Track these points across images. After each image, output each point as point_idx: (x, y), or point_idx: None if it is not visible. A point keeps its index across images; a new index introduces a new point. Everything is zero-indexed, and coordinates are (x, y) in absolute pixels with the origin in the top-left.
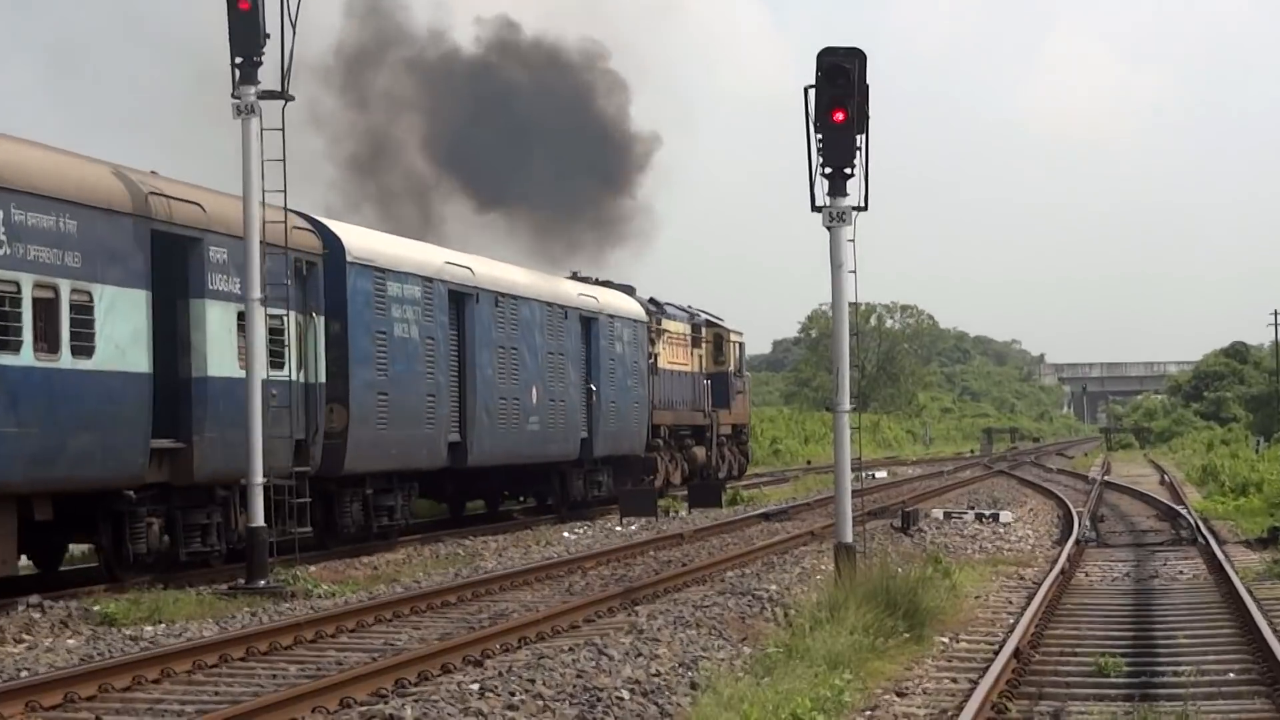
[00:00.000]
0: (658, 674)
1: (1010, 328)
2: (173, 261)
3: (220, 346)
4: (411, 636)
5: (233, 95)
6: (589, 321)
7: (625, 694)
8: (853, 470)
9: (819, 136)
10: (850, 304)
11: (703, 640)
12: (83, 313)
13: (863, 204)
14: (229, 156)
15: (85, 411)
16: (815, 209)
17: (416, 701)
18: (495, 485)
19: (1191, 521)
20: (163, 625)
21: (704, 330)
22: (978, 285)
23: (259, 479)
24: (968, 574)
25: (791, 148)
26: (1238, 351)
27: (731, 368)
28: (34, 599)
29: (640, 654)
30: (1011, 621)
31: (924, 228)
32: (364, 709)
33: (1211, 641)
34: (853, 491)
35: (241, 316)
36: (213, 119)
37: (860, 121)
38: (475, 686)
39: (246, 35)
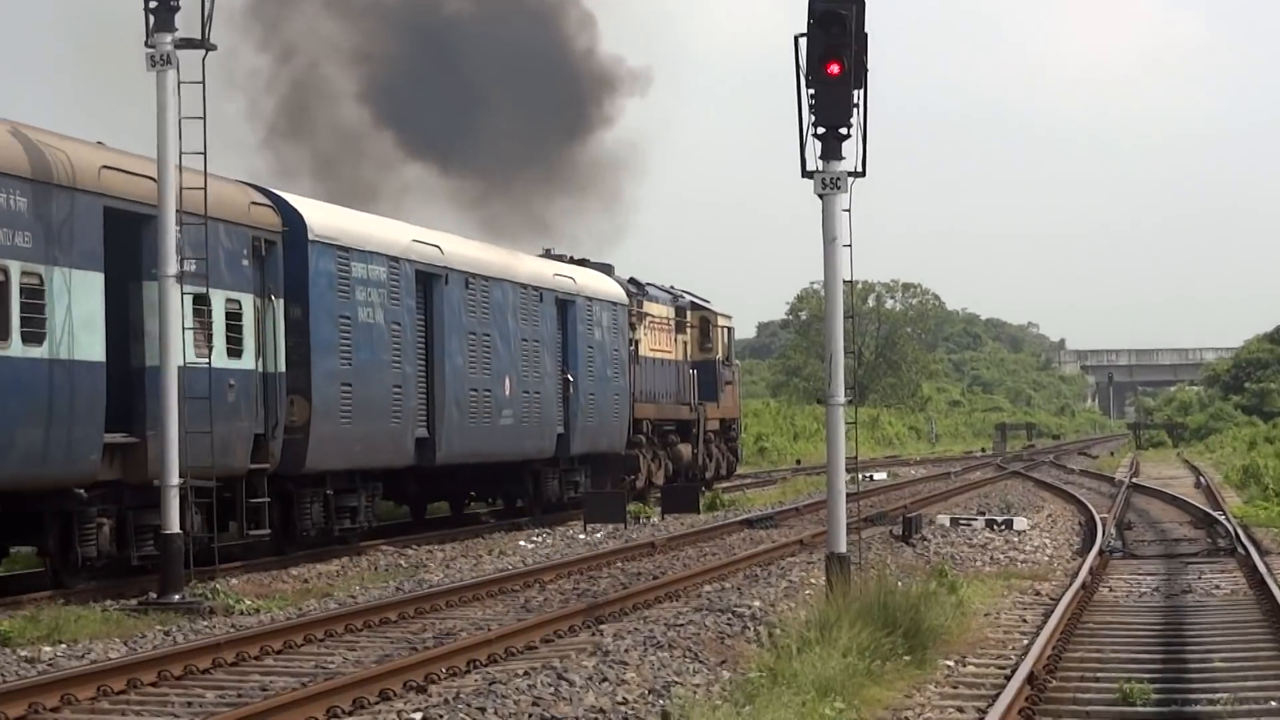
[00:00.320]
0: (624, 701)
1: (1027, 310)
2: (125, 241)
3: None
4: (346, 659)
5: (146, 44)
6: (565, 304)
7: None
8: (848, 471)
9: (810, 92)
10: (845, 282)
11: (676, 663)
12: (34, 297)
13: (860, 169)
14: (135, 120)
15: (36, 403)
16: (806, 175)
17: None
18: (462, 485)
19: (1230, 529)
20: (63, 645)
21: (689, 313)
22: (989, 261)
23: (174, 480)
24: (977, 589)
25: (779, 105)
26: None
27: (719, 355)
28: None
29: (605, 679)
30: (1025, 642)
31: (929, 197)
32: None
33: (1251, 665)
34: (848, 495)
35: (199, 300)
36: (118, 75)
37: (857, 75)
38: (418, 716)
39: None
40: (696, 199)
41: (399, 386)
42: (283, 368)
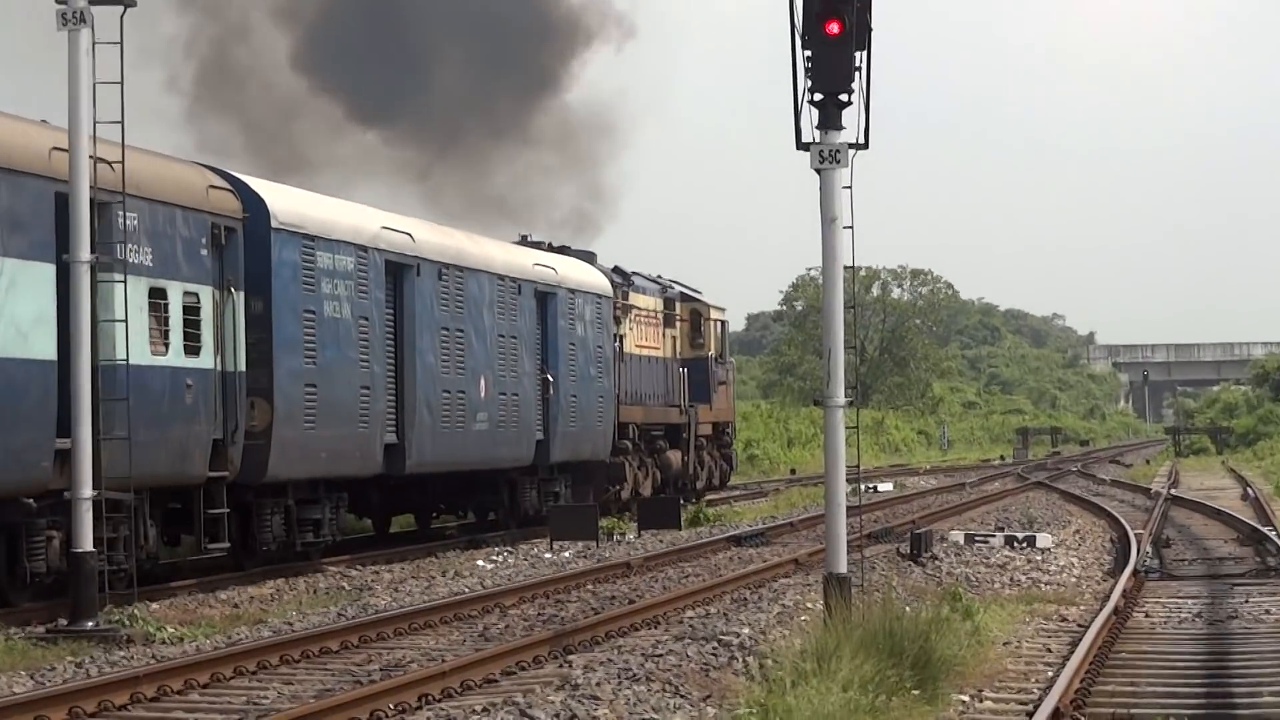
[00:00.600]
0: None
1: (1051, 299)
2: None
3: (132, 328)
4: (281, 693)
5: (58, 0)
6: (545, 297)
7: None
8: (849, 482)
9: (807, 54)
10: (846, 268)
11: (654, 698)
12: None
13: (862, 140)
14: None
15: None
16: (801, 147)
17: None
18: (432, 497)
19: None
20: None
21: (678, 305)
22: (1009, 245)
23: (87, 492)
24: (995, 614)
25: (773, 68)
26: None
27: (712, 352)
28: None
29: (574, 716)
30: (1050, 675)
31: (941, 173)
32: None
33: None
34: (849, 509)
35: (155, 293)
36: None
37: (860, 35)
38: None
39: None
40: (677, 175)
41: (367, 388)
42: (243, 367)
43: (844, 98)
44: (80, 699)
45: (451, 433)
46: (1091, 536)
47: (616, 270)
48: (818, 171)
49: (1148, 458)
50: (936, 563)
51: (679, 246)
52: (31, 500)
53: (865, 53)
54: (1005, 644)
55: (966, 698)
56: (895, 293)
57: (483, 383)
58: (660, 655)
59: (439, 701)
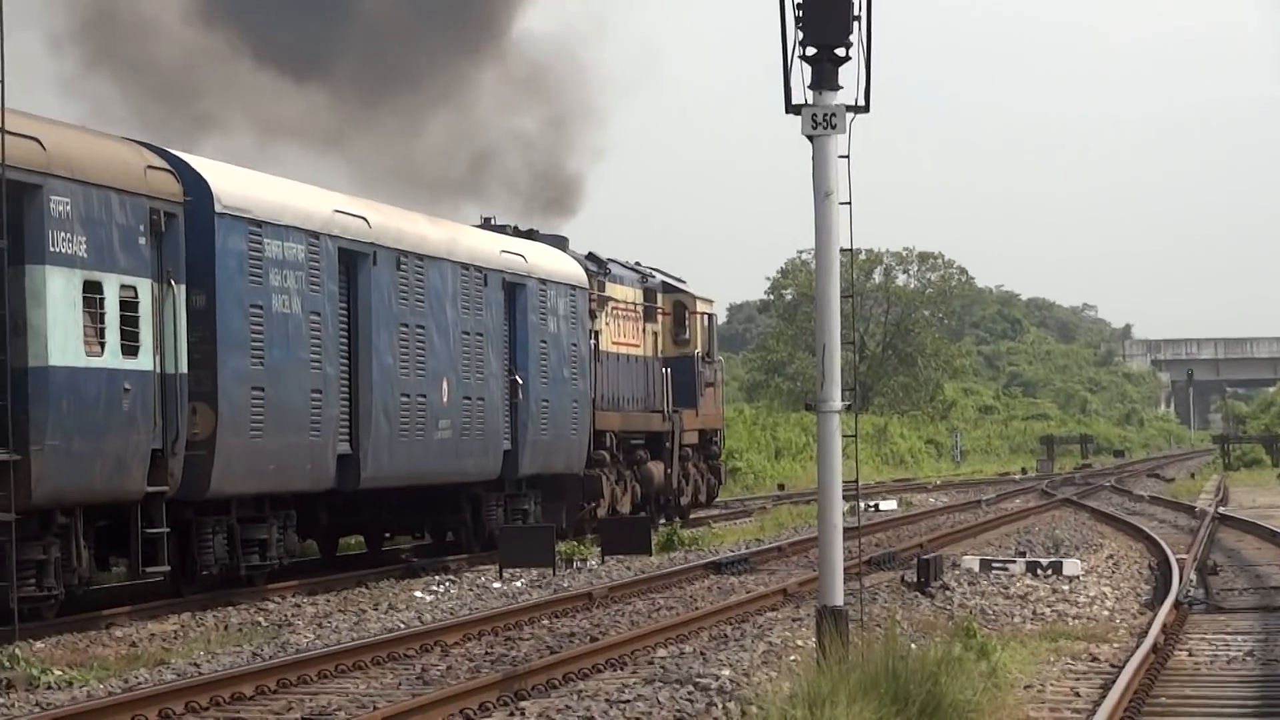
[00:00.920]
0: None
1: (1081, 287)
2: (5, 216)
3: (64, 327)
4: None
5: None
6: (514, 289)
7: None
8: (846, 499)
9: (798, 0)
10: (843, 250)
11: None
12: None
13: (862, 101)
14: None
15: None
16: (791, 109)
17: None
18: (385, 514)
19: None
20: None
21: (660, 297)
22: (1031, 225)
23: None
24: (1014, 653)
25: (758, 11)
26: None
27: (698, 349)
28: None
29: None
30: None
31: (953, 141)
32: None
33: None
34: (846, 530)
35: (90, 287)
36: None
37: None
38: None
39: None
40: (645, 143)
41: (319, 391)
42: (184, 368)
43: (841, 52)
44: None
45: (410, 442)
46: (1127, 562)
47: (591, 257)
48: (810, 138)
49: (1192, 470)
50: (947, 593)
51: (647, 226)
52: None
53: (866, 0)
54: (1026, 687)
55: None
56: (900, 279)
57: (445, 386)
58: (627, 701)
59: None
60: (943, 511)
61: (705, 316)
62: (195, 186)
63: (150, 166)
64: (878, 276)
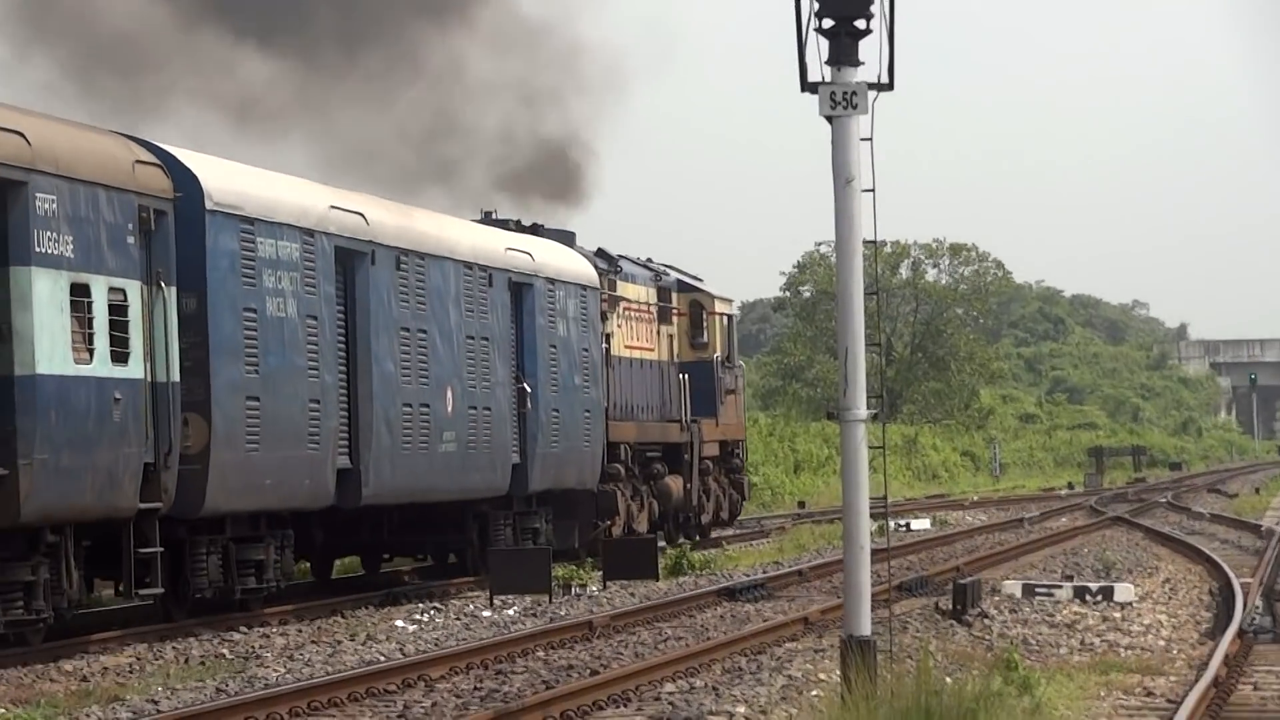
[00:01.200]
0: None
1: (1131, 283)
2: None
3: (51, 333)
4: None
5: None
6: (521, 289)
7: None
8: (873, 518)
9: None
10: (866, 242)
11: None
12: None
13: (885, 78)
14: None
15: None
16: (807, 88)
17: None
18: (385, 534)
19: None
20: None
21: (675, 296)
22: (1075, 214)
23: None
24: (1061, 687)
25: None
26: None
27: (718, 353)
28: None
29: None
30: None
31: (986, 122)
32: None
33: None
34: (873, 552)
35: (78, 290)
36: None
37: None
38: None
39: None
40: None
41: (316, 401)
42: (176, 377)
43: (861, 24)
44: None
45: (414, 455)
46: (1185, 587)
47: (600, 254)
48: (828, 119)
49: (1257, 485)
50: (986, 622)
51: (649, 217)
52: None
53: None
54: None
55: None
56: (930, 274)
57: (449, 395)
58: None
59: None
60: (981, 531)
61: (724, 317)
62: (185, 182)
63: (139, 161)
64: (905, 271)
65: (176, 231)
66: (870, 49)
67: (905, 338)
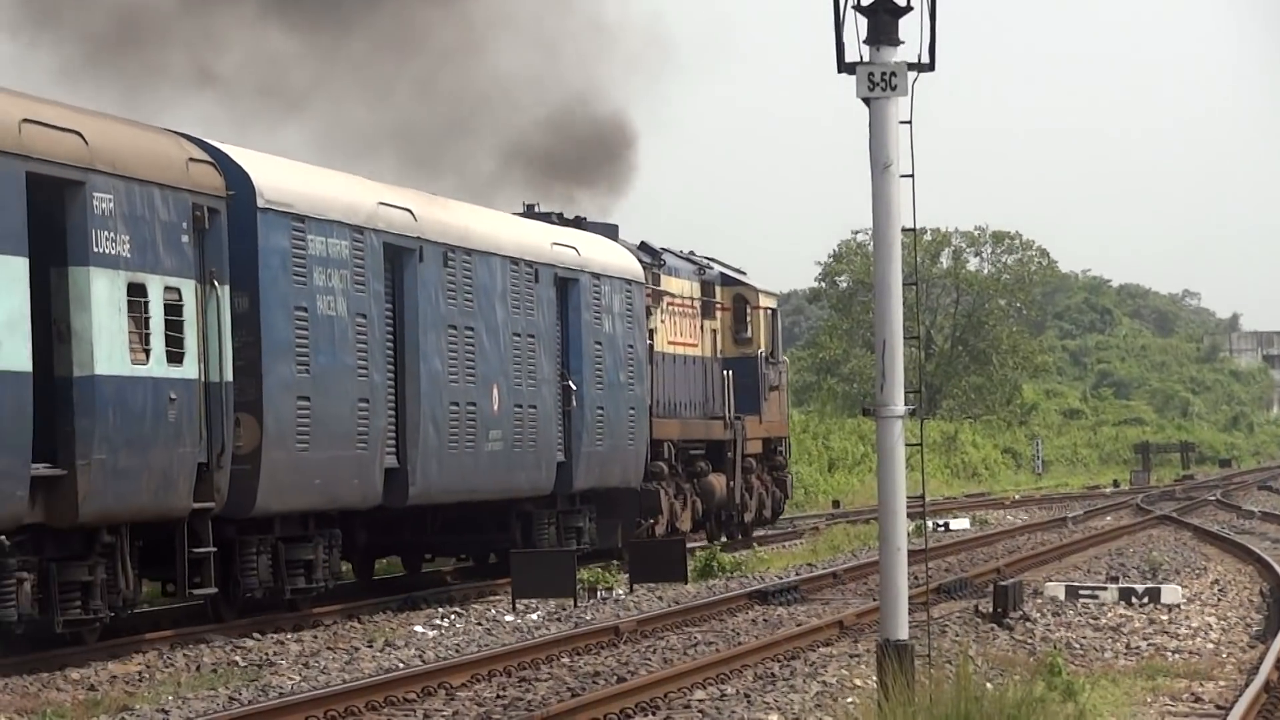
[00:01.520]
0: None
1: (1181, 273)
2: (45, 215)
3: (110, 333)
4: None
5: None
6: (566, 284)
7: None
8: (911, 518)
9: None
10: (905, 230)
11: None
12: None
13: (925, 59)
14: None
15: None
16: (845, 68)
17: None
18: (429, 533)
19: None
20: None
21: (719, 291)
22: (1122, 201)
23: None
24: (1106, 693)
25: None
26: None
27: (761, 349)
28: None
29: None
30: None
31: (1030, 104)
32: None
33: None
34: (911, 553)
35: (134, 290)
36: None
37: None
38: None
39: None
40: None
41: (365, 401)
42: (229, 377)
43: (901, 1)
44: None
45: (460, 454)
46: (1235, 588)
47: (644, 247)
48: (866, 102)
49: None
50: (1028, 625)
51: (675, 204)
52: (3, 537)
53: None
54: None
55: None
56: (972, 263)
57: (496, 393)
58: None
59: None
60: (1022, 531)
61: (768, 312)
62: (237, 179)
63: (192, 159)
64: (945, 260)
65: (229, 230)
66: (910, 27)
67: (945, 330)
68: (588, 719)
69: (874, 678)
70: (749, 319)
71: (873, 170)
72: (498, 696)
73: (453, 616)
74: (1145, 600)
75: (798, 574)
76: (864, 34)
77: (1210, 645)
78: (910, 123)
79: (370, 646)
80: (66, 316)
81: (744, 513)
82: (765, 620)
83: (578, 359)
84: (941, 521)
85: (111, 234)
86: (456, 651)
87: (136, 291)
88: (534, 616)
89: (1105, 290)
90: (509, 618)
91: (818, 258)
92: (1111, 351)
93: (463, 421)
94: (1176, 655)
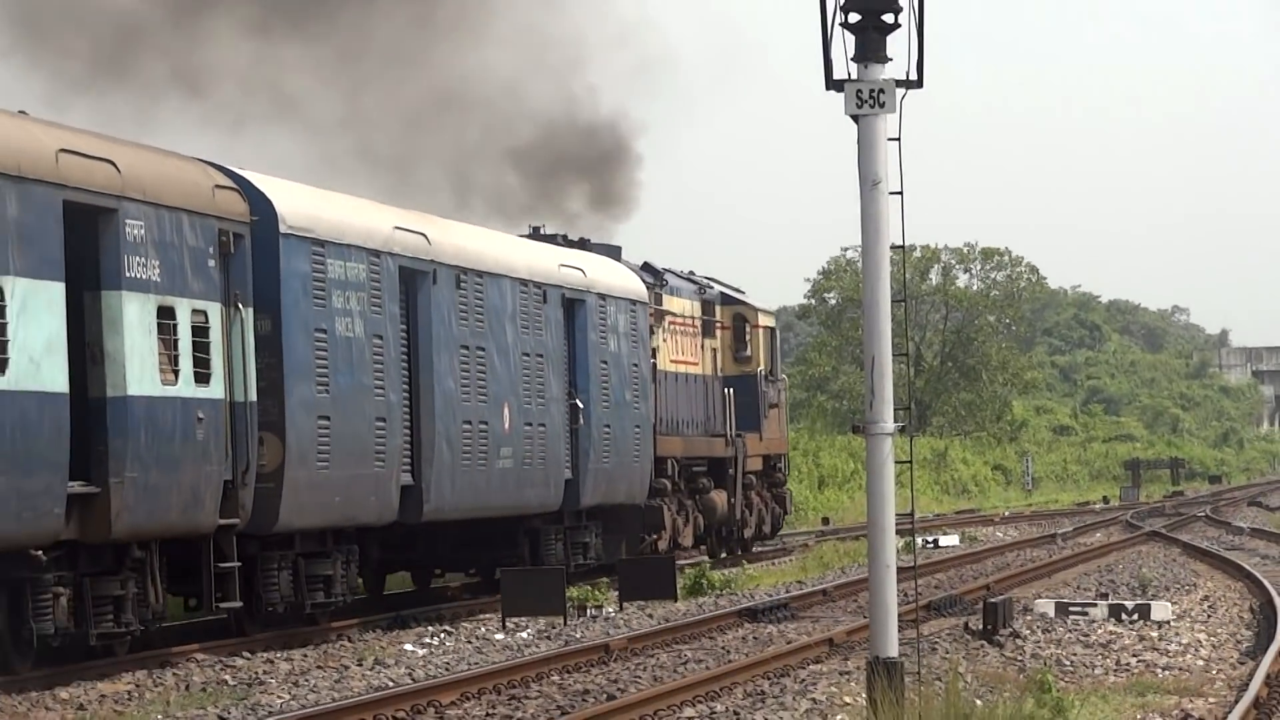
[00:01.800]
0: None
1: (1170, 288)
2: (80, 241)
3: (141, 355)
4: None
5: None
6: (573, 305)
7: None
8: (900, 534)
9: None
10: (894, 247)
11: None
12: None
13: (914, 75)
14: None
15: (0, 445)
16: (833, 85)
17: None
18: (441, 549)
19: None
20: None
21: (719, 310)
22: (1112, 218)
23: None
24: (1096, 709)
25: None
26: None
27: (761, 367)
28: None
29: None
30: None
31: (1019, 121)
32: None
33: None
34: (900, 570)
35: (164, 313)
36: None
37: None
38: None
39: None
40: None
41: (383, 420)
42: (253, 396)
43: (889, 18)
44: None
45: (472, 472)
46: (1224, 604)
47: (646, 268)
48: (855, 119)
49: None
50: (1018, 642)
51: (662, 218)
52: (41, 553)
53: None
54: None
55: None
56: (961, 280)
57: (506, 411)
58: None
59: None
60: (1012, 548)
61: (767, 330)
62: (260, 205)
63: (218, 186)
64: (935, 277)
65: (253, 254)
66: (899, 44)
67: (935, 346)
68: None
69: (864, 695)
70: (748, 337)
71: (861, 187)
72: (487, 715)
73: (443, 635)
74: (1135, 617)
75: (787, 591)
76: (852, 51)
77: (1200, 662)
78: (899, 139)
79: (360, 665)
80: (100, 339)
81: (744, 528)
82: (755, 638)
83: (584, 378)
84: (931, 538)
85: (142, 259)
86: (446, 670)
87: (166, 314)
88: (524, 635)
89: (1094, 306)
90: (499, 636)
91: (806, 274)
92: (1101, 367)
93: (475, 440)
94: (1166, 672)
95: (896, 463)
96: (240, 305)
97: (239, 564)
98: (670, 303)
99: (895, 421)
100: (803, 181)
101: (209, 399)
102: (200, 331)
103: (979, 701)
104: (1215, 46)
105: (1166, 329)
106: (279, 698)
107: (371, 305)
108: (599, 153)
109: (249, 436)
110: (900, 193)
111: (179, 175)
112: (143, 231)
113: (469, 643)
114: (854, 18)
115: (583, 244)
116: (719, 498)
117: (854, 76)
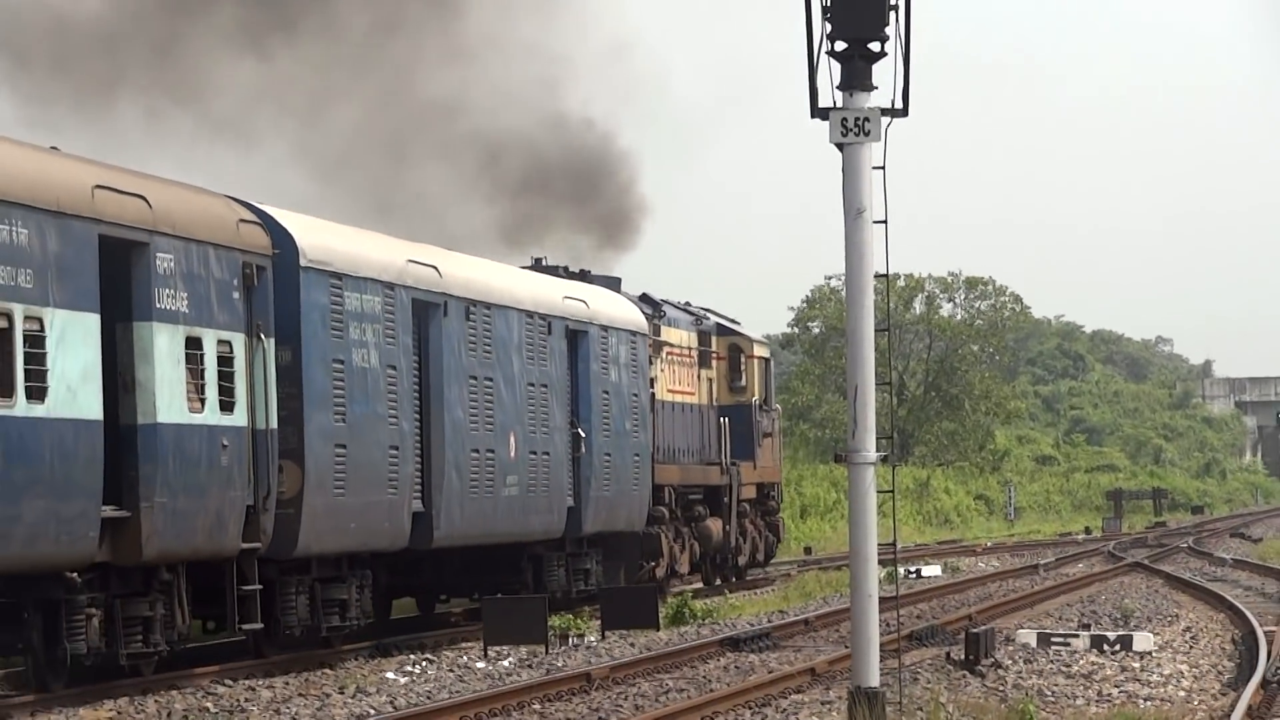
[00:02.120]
0: None
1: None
2: (113, 274)
3: (170, 384)
4: None
5: None
6: (576, 336)
7: None
8: (882, 564)
9: None
10: (878, 276)
11: None
12: (35, 345)
13: (899, 104)
14: None
15: (38, 471)
16: (818, 113)
17: None
18: (448, 575)
19: None
20: None
21: (714, 340)
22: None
23: None
24: None
25: (780, 7)
26: None
27: (755, 396)
28: None
29: None
30: None
31: (1005, 150)
32: None
33: None
34: (882, 600)
35: (191, 343)
36: None
37: None
38: None
39: None
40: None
41: (396, 448)
42: (274, 424)
43: (875, 47)
44: None
45: (480, 499)
46: (1206, 635)
47: (645, 299)
48: (839, 147)
49: None
50: (1000, 672)
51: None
52: (76, 574)
53: None
54: None
55: None
56: (945, 309)
57: (512, 440)
58: None
59: None
60: (994, 578)
61: (761, 360)
62: (281, 239)
63: (242, 220)
64: (918, 306)
65: (275, 287)
66: (884, 73)
67: (918, 376)
68: None
69: None
70: (743, 368)
71: (846, 216)
72: None
73: (424, 663)
74: (1117, 648)
75: (769, 620)
76: (838, 79)
77: (1182, 693)
78: (883, 168)
79: (342, 693)
80: (131, 368)
81: (739, 555)
82: (737, 667)
83: (586, 407)
84: (913, 568)
85: (172, 291)
86: (428, 698)
87: (193, 344)
88: (505, 663)
89: (1078, 336)
90: (480, 664)
91: (790, 302)
92: (1084, 397)
93: (483, 468)
94: (1148, 703)
95: (879, 492)
96: (263, 336)
97: (260, 587)
98: (668, 333)
99: (878, 451)
100: (787, 209)
101: (233, 426)
102: (225, 361)
103: None
104: (1202, 84)
105: (1150, 359)
106: None
107: (386, 336)
108: (601, 186)
109: (270, 463)
110: (885, 221)
111: (206, 210)
112: (172, 264)
113: (450, 671)
114: (840, 45)
115: (584, 275)
116: (714, 525)
117: (839, 104)
